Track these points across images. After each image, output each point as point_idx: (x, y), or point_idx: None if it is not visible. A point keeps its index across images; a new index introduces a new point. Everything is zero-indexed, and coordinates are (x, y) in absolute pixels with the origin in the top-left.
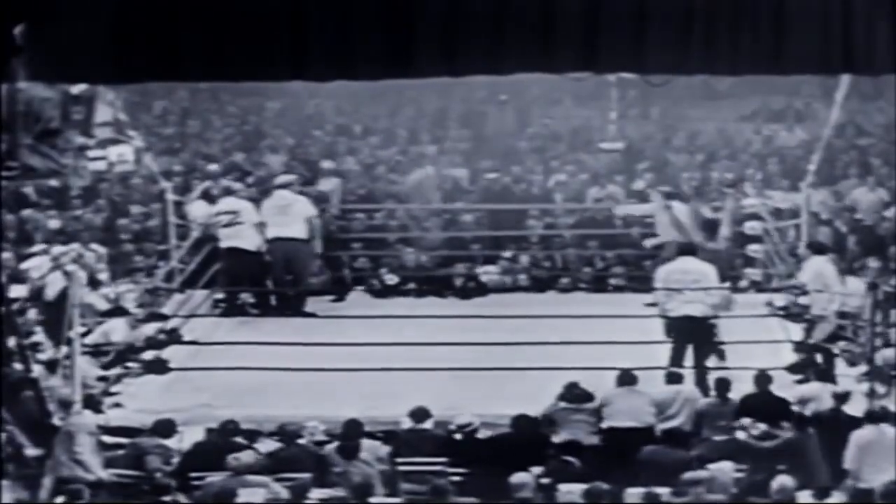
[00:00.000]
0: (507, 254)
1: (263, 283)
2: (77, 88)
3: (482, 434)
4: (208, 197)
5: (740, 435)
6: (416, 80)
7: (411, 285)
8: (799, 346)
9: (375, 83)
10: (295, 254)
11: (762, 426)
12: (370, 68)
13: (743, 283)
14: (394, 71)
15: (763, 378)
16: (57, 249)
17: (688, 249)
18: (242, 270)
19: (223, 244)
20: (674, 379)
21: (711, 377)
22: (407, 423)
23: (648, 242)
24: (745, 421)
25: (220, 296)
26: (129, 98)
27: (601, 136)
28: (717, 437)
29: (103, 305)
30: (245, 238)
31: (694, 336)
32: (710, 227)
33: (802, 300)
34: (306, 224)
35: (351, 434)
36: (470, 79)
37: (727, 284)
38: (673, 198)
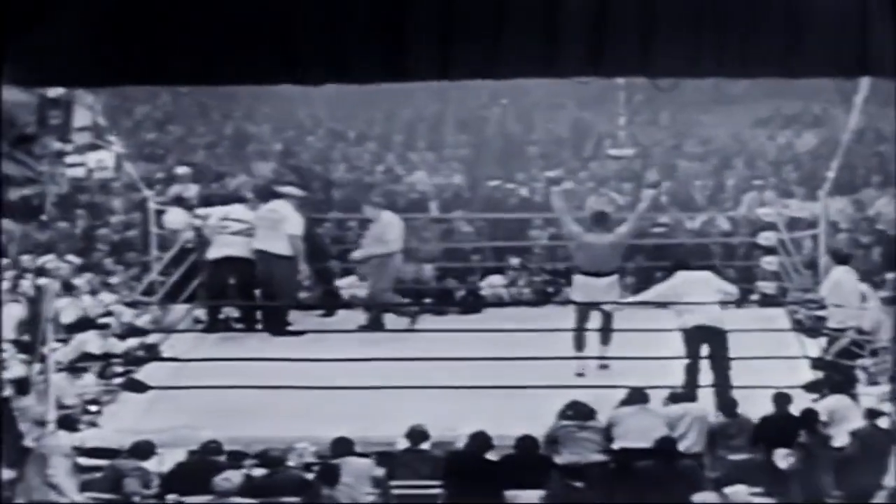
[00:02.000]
0: (514, 261)
1: (253, 296)
2: (54, 92)
3: (487, 455)
4: (184, 204)
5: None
6: (412, 83)
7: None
8: (817, 363)
9: (371, 87)
10: (278, 271)
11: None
12: (364, 72)
13: (754, 297)
14: (388, 75)
15: (782, 398)
16: (30, 261)
17: (683, 264)
18: (238, 280)
19: (217, 252)
20: (681, 397)
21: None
22: (403, 444)
23: (356, 255)
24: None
25: (202, 310)
26: (109, 102)
27: (609, 142)
28: (733, 457)
29: (77, 319)
30: (241, 247)
31: (710, 346)
32: (601, 220)
33: (821, 313)
34: (290, 242)
35: (340, 454)
36: (469, 82)
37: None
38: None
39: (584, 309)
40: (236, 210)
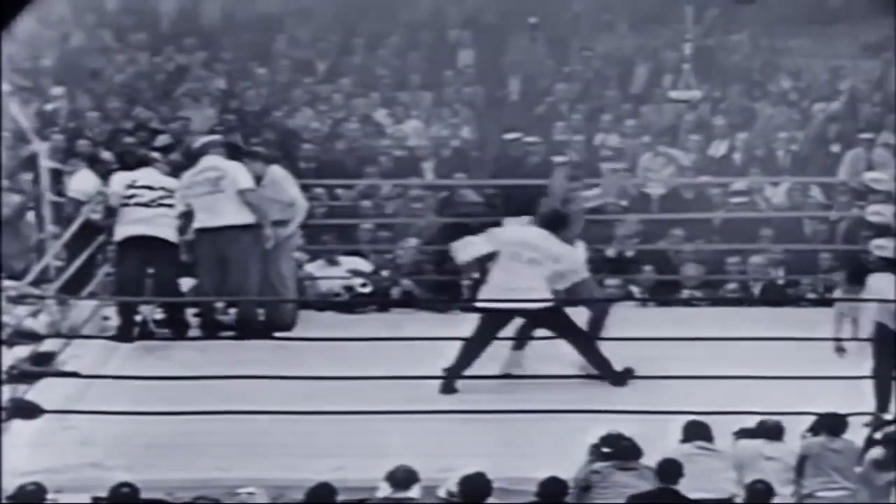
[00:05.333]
0: None
1: (178, 291)
2: None
3: None
4: (98, 166)
5: None
6: None
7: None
8: None
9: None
10: (232, 251)
11: None
12: None
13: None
14: None
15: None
16: None
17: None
18: (156, 270)
19: (125, 231)
20: (774, 432)
21: None
22: (385, 490)
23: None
24: None
25: (113, 308)
26: None
27: (670, 80)
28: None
29: None
30: (165, 226)
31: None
32: None
33: None
34: (247, 204)
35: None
36: None
37: None
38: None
39: None
40: (147, 175)
